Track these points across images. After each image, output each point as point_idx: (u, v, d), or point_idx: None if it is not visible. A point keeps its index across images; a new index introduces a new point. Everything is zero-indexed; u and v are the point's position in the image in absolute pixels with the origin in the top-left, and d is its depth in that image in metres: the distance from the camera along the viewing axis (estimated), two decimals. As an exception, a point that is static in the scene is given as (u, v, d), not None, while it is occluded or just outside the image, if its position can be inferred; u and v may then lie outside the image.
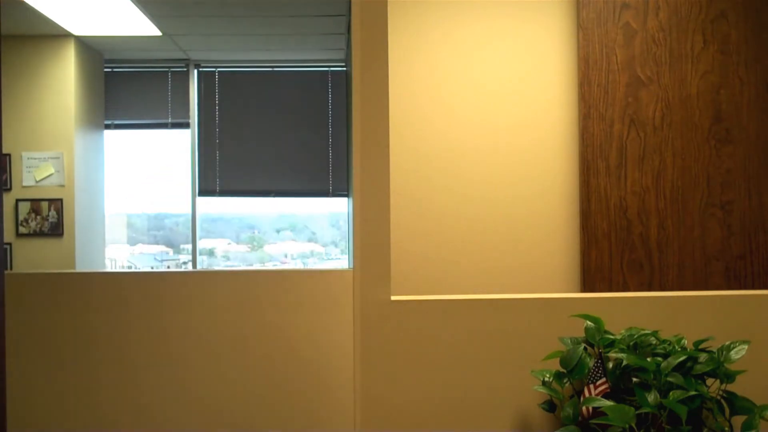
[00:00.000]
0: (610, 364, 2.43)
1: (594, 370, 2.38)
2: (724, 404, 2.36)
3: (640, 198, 4.16)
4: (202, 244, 6.19)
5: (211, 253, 6.44)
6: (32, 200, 5.23)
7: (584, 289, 4.16)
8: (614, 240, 4.15)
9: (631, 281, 4.13)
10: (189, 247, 6.11)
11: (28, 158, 5.22)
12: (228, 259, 6.55)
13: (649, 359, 2.32)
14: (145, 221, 6.55)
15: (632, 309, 2.78)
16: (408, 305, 2.79)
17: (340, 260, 6.48)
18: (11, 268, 5.16)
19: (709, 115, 4.17)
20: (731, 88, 4.17)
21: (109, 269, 6.14)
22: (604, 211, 4.16)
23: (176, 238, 6.41)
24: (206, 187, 6.02)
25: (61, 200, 5.25)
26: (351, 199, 3.16)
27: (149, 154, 6.25)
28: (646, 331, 2.45)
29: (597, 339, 2.44)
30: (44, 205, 5.23)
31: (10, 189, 5.22)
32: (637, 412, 2.18)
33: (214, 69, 6.01)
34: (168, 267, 6.43)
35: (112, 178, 6.04)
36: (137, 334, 2.85)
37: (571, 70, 4.28)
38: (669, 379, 2.26)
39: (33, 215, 5.23)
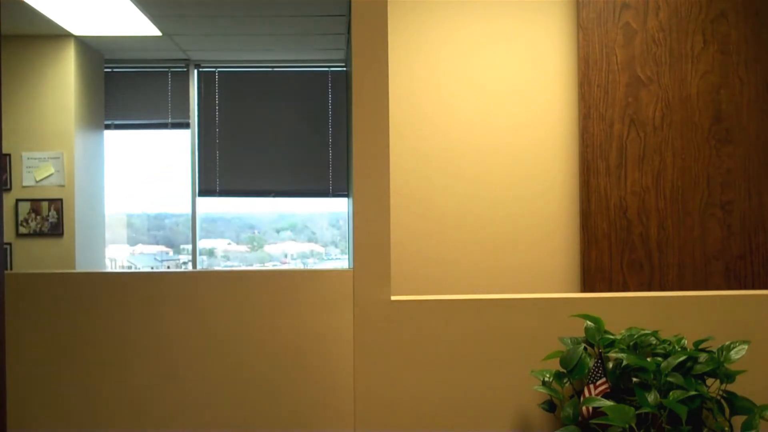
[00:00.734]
0: (610, 364, 2.43)
1: (594, 370, 2.38)
2: (724, 404, 2.36)
3: (640, 198, 4.16)
4: (202, 244, 6.19)
5: (211, 253, 6.44)
6: (32, 200, 5.23)
7: (584, 289, 4.16)
8: (614, 240, 4.14)
9: (631, 281, 4.13)
10: (189, 247, 6.11)
11: (28, 158, 5.22)
12: (228, 259, 6.55)
13: (649, 359, 2.32)
14: (145, 221, 6.55)
15: (632, 309, 2.78)
16: (408, 305, 2.79)
17: (340, 260, 6.48)
18: (11, 268, 5.16)
19: (709, 115, 4.17)
20: (731, 88, 4.17)
21: (109, 269, 6.14)
22: (604, 211, 4.16)
23: (176, 238, 6.41)
24: (206, 187, 6.02)
25: (61, 200, 5.25)
26: (351, 199, 3.16)
27: (149, 154, 6.24)
28: (646, 331, 2.45)
29: (597, 339, 2.44)
30: (44, 205, 5.23)
31: (10, 189, 5.22)
32: (637, 412, 2.18)
33: (214, 69, 6.01)
34: (168, 267, 6.43)
35: (112, 178, 6.04)
36: (137, 334, 2.85)
37: (571, 70, 4.28)
38: (669, 379, 2.26)
39: (33, 215, 5.23)
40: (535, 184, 4.29)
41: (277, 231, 6.69)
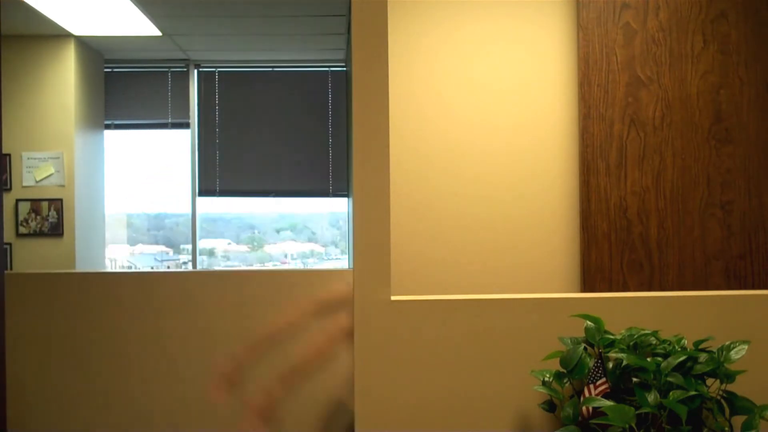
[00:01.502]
0: (610, 364, 2.43)
1: (594, 370, 2.38)
2: (724, 404, 2.36)
3: (640, 198, 4.16)
4: (202, 244, 6.19)
5: (211, 253, 6.44)
6: (32, 200, 5.23)
7: (584, 289, 4.16)
8: (614, 240, 4.14)
9: (631, 281, 4.13)
10: (189, 247, 6.11)
11: (28, 158, 5.22)
12: (228, 259, 6.55)
13: (649, 359, 2.32)
14: (145, 221, 6.55)
15: (632, 309, 2.78)
16: (408, 305, 2.79)
17: (340, 260, 6.48)
18: (11, 268, 5.16)
19: (709, 115, 4.17)
20: (731, 88, 4.17)
21: (109, 269, 6.14)
22: (604, 211, 4.16)
23: (176, 238, 6.41)
24: (206, 187, 6.02)
25: (61, 200, 5.25)
26: (351, 199, 3.16)
27: (149, 154, 6.24)
28: (646, 331, 2.45)
29: (597, 339, 2.44)
30: (44, 205, 5.23)
31: (10, 189, 5.22)
32: (637, 412, 2.18)
33: (214, 69, 6.01)
34: (168, 267, 6.43)
35: (112, 178, 6.04)
36: (137, 334, 2.85)
37: (571, 71, 4.28)
38: (669, 379, 2.26)
39: (33, 215, 5.23)
40: (535, 184, 4.29)
41: (277, 231, 6.69)
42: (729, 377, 2.31)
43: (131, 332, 2.84)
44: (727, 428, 2.32)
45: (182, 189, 6.06)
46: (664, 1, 4.17)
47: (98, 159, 5.83)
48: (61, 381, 2.78)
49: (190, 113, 5.98)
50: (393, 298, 2.79)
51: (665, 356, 2.34)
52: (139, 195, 6.31)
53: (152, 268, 6.37)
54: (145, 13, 4.62)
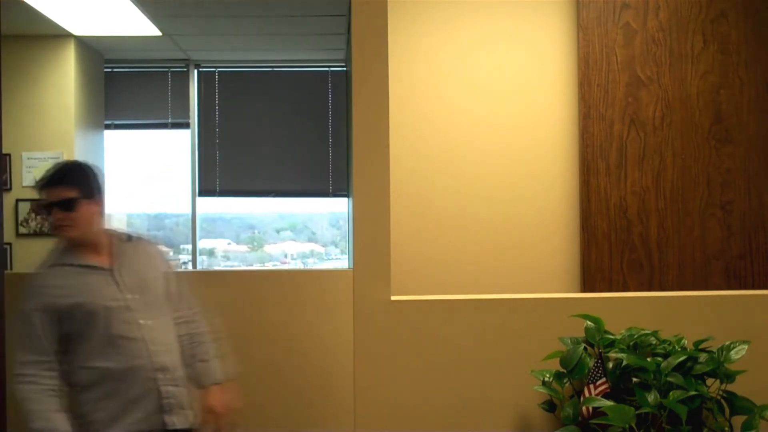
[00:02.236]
0: (610, 364, 2.43)
1: (594, 370, 2.38)
2: (724, 404, 2.36)
3: (640, 198, 4.16)
4: (202, 244, 6.18)
5: (211, 253, 6.43)
6: (32, 200, 5.22)
7: (584, 289, 4.16)
8: (614, 240, 4.14)
9: (631, 281, 4.13)
10: (189, 247, 6.10)
11: (28, 158, 5.22)
12: (228, 259, 6.54)
13: (649, 359, 2.32)
14: (145, 221, 6.55)
15: (632, 309, 2.78)
16: (408, 305, 2.79)
17: (340, 260, 6.47)
18: (11, 268, 5.15)
19: (709, 115, 4.17)
20: (731, 88, 4.17)
21: (109, 269, 6.13)
22: (604, 211, 4.16)
23: (176, 238, 6.41)
24: (206, 187, 6.01)
25: (61, 200, 5.24)
26: (351, 199, 3.16)
27: (149, 154, 6.24)
28: (646, 331, 2.45)
29: (597, 339, 2.44)
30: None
31: (10, 189, 5.21)
32: (637, 412, 2.19)
33: (214, 69, 6.00)
34: (168, 267, 6.41)
35: (112, 178, 6.04)
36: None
37: (571, 70, 4.28)
38: (669, 379, 2.26)
39: (33, 215, 5.22)
40: (535, 184, 4.29)
41: (277, 231, 6.69)
42: (729, 377, 2.32)
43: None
44: (727, 428, 2.32)
45: (182, 189, 6.05)
46: (664, 1, 4.17)
47: (98, 159, 5.83)
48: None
49: (190, 113, 5.97)
50: (393, 298, 2.79)
51: (665, 356, 2.34)
52: (139, 195, 6.30)
53: (152, 268, 6.35)
54: (145, 13, 4.62)
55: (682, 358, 2.29)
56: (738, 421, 2.32)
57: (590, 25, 4.18)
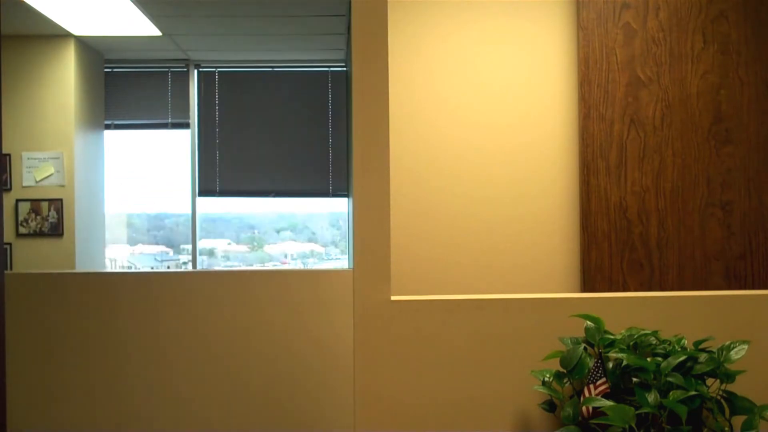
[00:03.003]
0: (610, 364, 2.43)
1: (594, 370, 2.38)
2: (724, 404, 2.36)
3: (640, 198, 4.16)
4: (202, 244, 6.19)
5: (211, 253, 6.43)
6: (32, 200, 5.23)
7: (584, 289, 4.16)
8: (614, 240, 4.14)
9: (631, 281, 4.13)
10: (189, 247, 6.11)
11: (28, 158, 5.22)
12: (228, 259, 6.55)
13: (649, 359, 2.32)
14: (145, 221, 6.55)
15: (632, 309, 2.78)
16: (408, 305, 2.79)
17: (340, 260, 6.48)
18: (11, 268, 5.15)
19: (709, 115, 4.17)
20: (731, 88, 4.17)
21: (109, 269, 6.14)
22: (604, 211, 4.16)
23: (176, 238, 6.41)
24: (206, 187, 6.02)
25: (61, 200, 5.25)
26: (351, 199, 3.16)
27: (149, 154, 6.24)
28: (646, 331, 2.45)
29: (597, 339, 2.44)
30: (44, 205, 5.23)
31: (10, 189, 5.21)
32: (637, 412, 2.18)
33: (214, 69, 6.01)
34: (168, 267, 6.43)
35: (112, 178, 6.04)
36: (137, 334, 2.85)
37: (571, 70, 4.28)
38: (669, 379, 2.26)
39: (33, 215, 5.23)
40: (535, 184, 4.29)
41: (277, 231, 6.69)
42: (729, 377, 2.31)
43: (131, 332, 2.84)
44: (727, 428, 2.32)
45: (182, 189, 6.06)
46: (664, 1, 4.17)
47: (98, 159, 5.83)
48: (61, 381, 2.78)
49: (190, 113, 5.98)
50: (393, 298, 2.79)
51: (665, 356, 2.34)
52: (139, 195, 6.31)
53: (152, 268, 6.37)
54: (145, 13, 4.62)
55: (682, 358, 2.29)
56: (738, 421, 2.32)
57: (590, 25, 4.18)
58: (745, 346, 2.34)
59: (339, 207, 6.31)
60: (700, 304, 2.79)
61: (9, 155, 5.17)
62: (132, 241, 6.50)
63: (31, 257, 5.24)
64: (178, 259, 6.40)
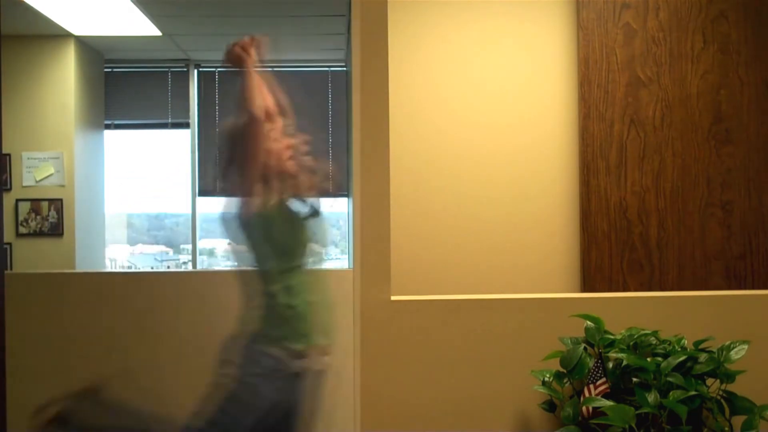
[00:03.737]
0: (610, 364, 2.43)
1: (594, 370, 2.38)
2: (724, 404, 2.36)
3: (640, 198, 4.16)
4: (202, 244, 6.19)
5: (211, 253, 6.43)
6: (32, 200, 5.23)
7: (584, 289, 4.16)
8: (614, 240, 4.14)
9: (631, 281, 4.13)
10: (189, 247, 6.11)
11: (28, 158, 5.22)
12: (228, 259, 6.55)
13: (649, 359, 2.32)
14: (145, 221, 6.55)
15: (632, 309, 2.78)
16: (408, 305, 2.79)
17: (340, 260, 6.47)
18: (11, 268, 5.15)
19: (709, 115, 4.17)
20: (731, 88, 4.17)
21: (109, 269, 6.14)
22: (604, 211, 4.16)
23: (176, 238, 6.41)
24: (206, 187, 6.02)
25: (61, 200, 5.25)
26: (351, 199, 3.16)
27: (149, 154, 6.24)
28: (646, 331, 2.45)
29: (597, 339, 2.44)
30: (44, 205, 5.23)
31: (10, 189, 5.21)
32: (637, 412, 2.18)
33: (214, 69, 6.01)
34: (168, 267, 6.43)
35: (112, 178, 6.04)
36: (137, 334, 2.85)
37: (571, 70, 4.28)
38: (669, 379, 2.26)
39: (33, 215, 5.23)
40: (535, 184, 4.29)
41: (277, 231, 6.68)
42: (729, 377, 2.31)
43: (131, 331, 2.84)
44: (727, 428, 2.32)
45: (182, 189, 6.06)
46: (664, 1, 4.17)
47: (98, 159, 5.83)
48: (61, 380, 2.78)
49: (190, 113, 5.98)
50: (393, 298, 2.79)
51: (665, 356, 2.34)
52: (139, 195, 6.30)
53: (152, 268, 6.37)
54: (145, 13, 4.62)
55: (682, 358, 2.29)
56: (738, 421, 2.32)
57: (590, 25, 4.18)
58: (745, 346, 2.35)
59: (339, 207, 6.31)
60: (700, 304, 2.79)
61: (9, 155, 5.17)
62: (132, 241, 6.50)
63: (31, 257, 5.24)
64: (178, 259, 6.40)
